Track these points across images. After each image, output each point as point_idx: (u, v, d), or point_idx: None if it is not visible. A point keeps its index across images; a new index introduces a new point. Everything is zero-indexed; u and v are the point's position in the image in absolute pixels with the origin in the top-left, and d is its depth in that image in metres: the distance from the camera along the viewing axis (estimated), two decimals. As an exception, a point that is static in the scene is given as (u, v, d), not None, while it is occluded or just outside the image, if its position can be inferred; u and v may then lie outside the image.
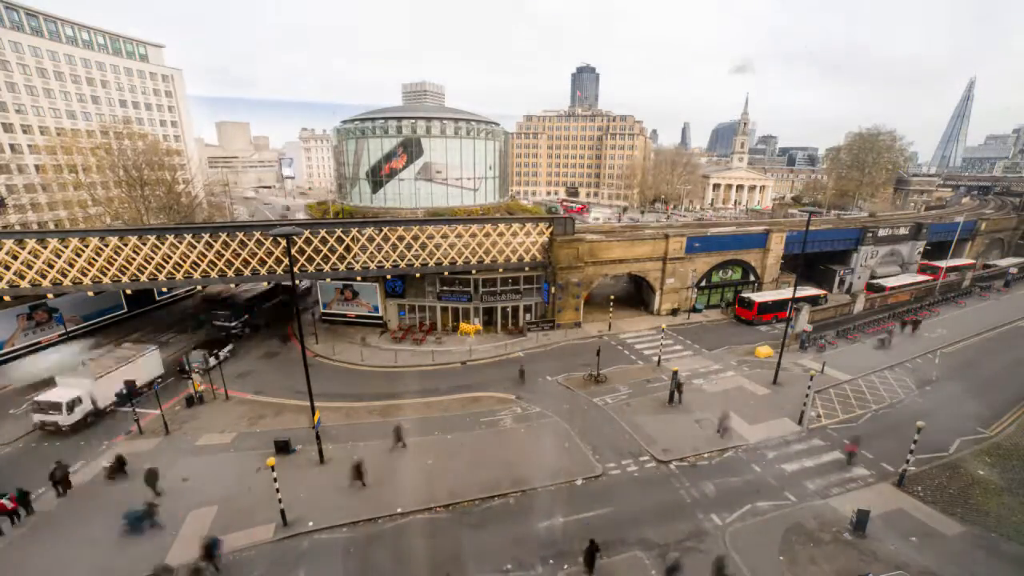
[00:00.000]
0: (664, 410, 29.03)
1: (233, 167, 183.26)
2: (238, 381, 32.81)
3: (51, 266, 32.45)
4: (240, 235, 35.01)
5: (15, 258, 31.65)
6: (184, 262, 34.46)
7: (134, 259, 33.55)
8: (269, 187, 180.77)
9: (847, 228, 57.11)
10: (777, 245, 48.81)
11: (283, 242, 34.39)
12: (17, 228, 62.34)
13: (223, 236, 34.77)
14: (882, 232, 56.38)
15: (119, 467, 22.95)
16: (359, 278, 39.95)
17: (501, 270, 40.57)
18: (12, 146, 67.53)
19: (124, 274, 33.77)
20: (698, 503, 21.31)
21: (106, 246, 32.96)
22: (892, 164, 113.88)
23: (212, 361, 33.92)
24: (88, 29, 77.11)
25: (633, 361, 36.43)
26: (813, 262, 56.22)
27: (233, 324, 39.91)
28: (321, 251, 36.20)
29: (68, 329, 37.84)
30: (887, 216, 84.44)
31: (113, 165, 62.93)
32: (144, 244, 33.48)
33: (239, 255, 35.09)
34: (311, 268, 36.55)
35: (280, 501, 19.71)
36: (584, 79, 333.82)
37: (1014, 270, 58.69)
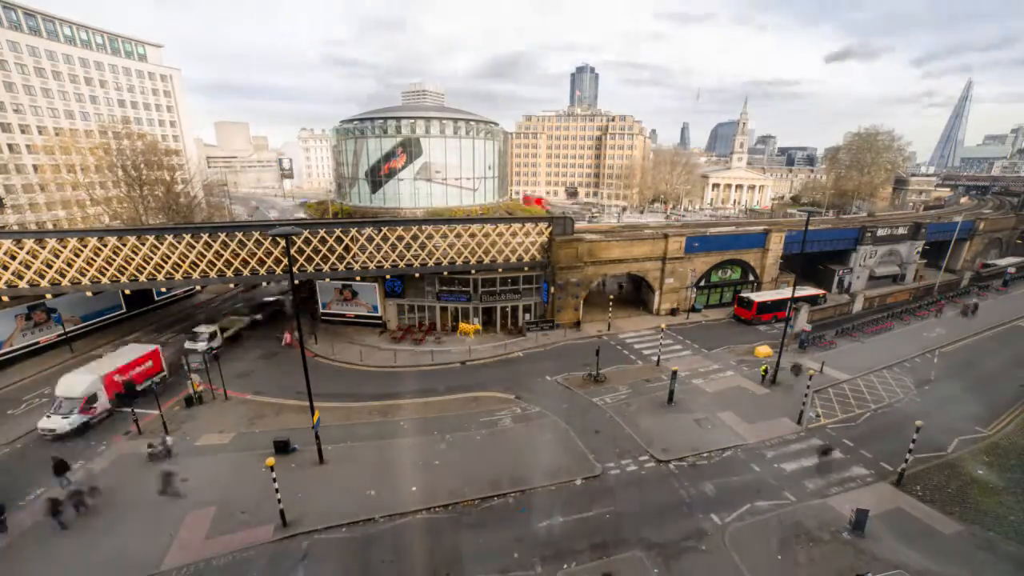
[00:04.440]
0: (663, 410, 29.04)
1: (232, 167, 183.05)
2: (237, 381, 32.76)
3: (49, 266, 32.38)
4: (239, 235, 34.97)
5: (13, 258, 31.58)
6: (183, 262, 34.40)
7: (133, 259, 33.49)
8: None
9: (846, 228, 57.17)
10: (776, 245, 48.86)
11: (282, 242, 34.37)
12: (15, 228, 62.22)
13: (222, 236, 34.73)
14: (881, 232, 56.42)
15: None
16: (358, 278, 39.92)
17: (500, 270, 40.57)
18: (10, 146, 67.40)
19: (123, 274, 33.71)
20: (697, 503, 21.33)
21: (104, 246, 32.90)
22: (891, 164, 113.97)
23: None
24: (87, 28, 76.97)
25: (632, 361, 36.45)
26: (812, 262, 56.30)
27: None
28: (320, 251, 36.17)
29: (67, 329, 37.75)
30: (886, 216, 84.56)
31: (112, 165, 62.87)
32: (143, 244, 33.43)
33: (238, 255, 35.05)
34: (310, 268, 36.52)
35: (279, 501, 19.69)
36: (583, 79, 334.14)
37: (1012, 269, 58.81)
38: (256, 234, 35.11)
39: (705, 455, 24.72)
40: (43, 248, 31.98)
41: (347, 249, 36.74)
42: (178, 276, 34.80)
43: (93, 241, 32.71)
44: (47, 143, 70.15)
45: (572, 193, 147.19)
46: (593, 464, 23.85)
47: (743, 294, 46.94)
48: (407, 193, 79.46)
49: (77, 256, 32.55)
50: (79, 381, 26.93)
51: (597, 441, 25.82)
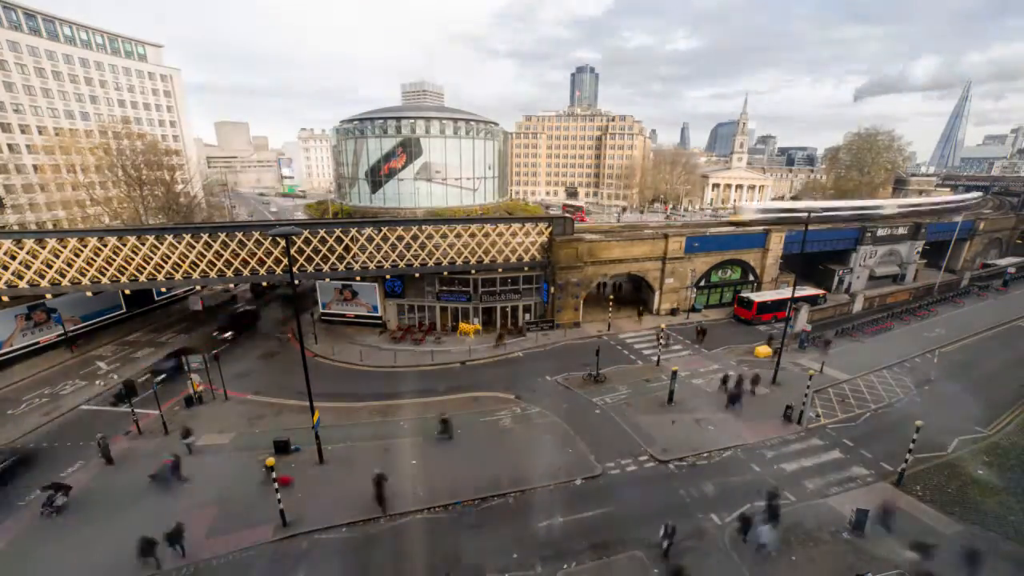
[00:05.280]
0: (663, 410, 29.02)
1: (232, 167, 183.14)
2: (237, 381, 32.76)
3: (49, 266, 32.40)
4: (239, 235, 34.98)
5: (13, 258, 31.60)
6: (183, 262, 34.42)
7: (133, 259, 33.50)
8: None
9: (846, 228, 57.15)
10: (776, 245, 48.84)
11: (282, 242, 34.38)
12: (15, 228, 62.22)
13: (222, 236, 34.74)
14: (881, 232, 56.40)
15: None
16: (358, 278, 39.92)
17: (500, 270, 40.57)
18: (10, 146, 67.41)
19: (123, 274, 33.72)
20: (697, 503, 21.33)
21: (104, 246, 32.91)
22: (891, 164, 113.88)
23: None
24: (87, 29, 77.00)
25: (632, 361, 36.45)
26: (812, 262, 56.29)
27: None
28: (320, 251, 36.18)
29: (67, 329, 37.75)
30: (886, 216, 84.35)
31: (112, 165, 62.84)
32: (143, 244, 33.43)
33: (238, 255, 35.06)
34: (310, 268, 36.53)
35: (279, 501, 19.69)
36: (583, 79, 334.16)
37: (1012, 269, 58.81)
38: (256, 234, 35.12)
39: (705, 455, 24.71)
40: (43, 248, 31.99)
41: (347, 249, 36.74)
42: (178, 276, 34.80)
43: (93, 241, 32.72)
44: (47, 143, 70.17)
45: (572, 193, 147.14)
46: (593, 464, 23.86)
47: (743, 294, 46.94)
48: (407, 193, 79.52)
49: (77, 256, 32.56)
50: None
51: (597, 440, 25.80)
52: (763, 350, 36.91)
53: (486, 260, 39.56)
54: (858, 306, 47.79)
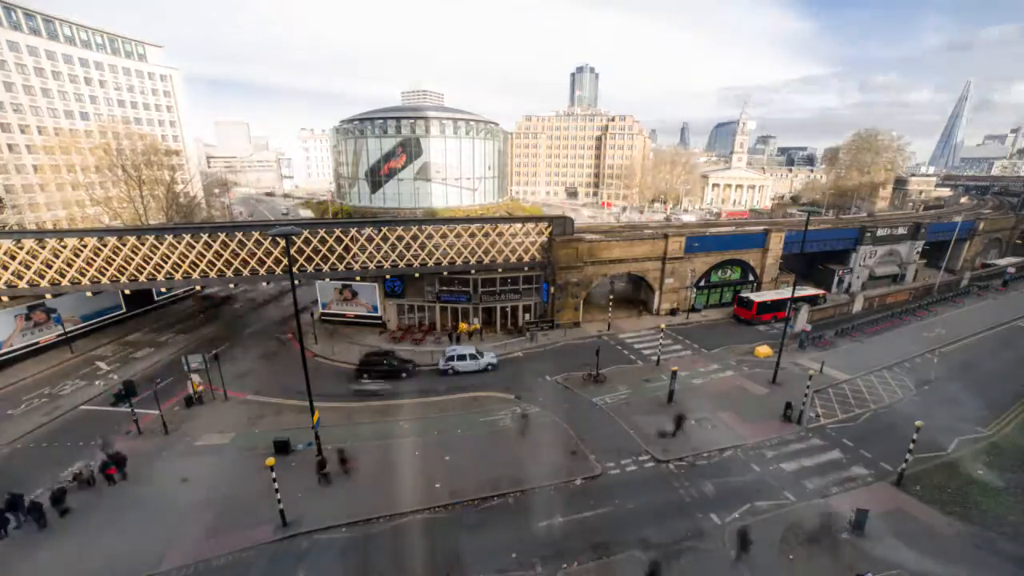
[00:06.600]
0: (663, 409, 29.00)
1: (232, 167, 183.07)
2: (237, 381, 32.75)
3: (49, 266, 32.39)
4: (239, 235, 34.97)
5: (13, 258, 31.59)
6: (183, 262, 34.41)
7: (132, 259, 33.49)
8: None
9: (846, 228, 57.14)
10: (776, 245, 48.83)
11: (282, 242, 34.37)
12: (15, 228, 62.21)
13: (222, 236, 34.73)
14: (880, 232, 56.38)
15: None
16: (358, 278, 39.92)
17: (500, 270, 40.56)
18: (10, 146, 67.39)
19: (123, 274, 33.71)
20: (697, 502, 21.32)
21: (104, 246, 32.90)
22: (891, 164, 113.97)
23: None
24: (86, 29, 77.02)
25: (632, 361, 36.44)
26: (812, 262, 56.28)
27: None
28: (320, 251, 36.17)
29: (67, 329, 37.74)
30: (885, 216, 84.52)
31: (112, 165, 62.91)
32: (143, 244, 33.42)
33: (238, 255, 35.05)
34: (310, 268, 36.53)
35: (279, 501, 19.68)
36: (583, 79, 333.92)
37: (1012, 269, 58.81)
38: (256, 234, 35.11)
39: (705, 455, 24.70)
40: (43, 248, 31.98)
41: (347, 249, 36.73)
42: (178, 276, 34.79)
43: (93, 241, 32.71)
44: (47, 143, 70.16)
45: (572, 193, 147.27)
46: (593, 464, 23.85)
47: (743, 294, 46.93)
48: (407, 193, 79.54)
49: (77, 256, 32.55)
50: None
51: (597, 440, 25.79)
52: (763, 350, 36.90)
53: (486, 260, 39.55)
54: (858, 306, 47.79)
